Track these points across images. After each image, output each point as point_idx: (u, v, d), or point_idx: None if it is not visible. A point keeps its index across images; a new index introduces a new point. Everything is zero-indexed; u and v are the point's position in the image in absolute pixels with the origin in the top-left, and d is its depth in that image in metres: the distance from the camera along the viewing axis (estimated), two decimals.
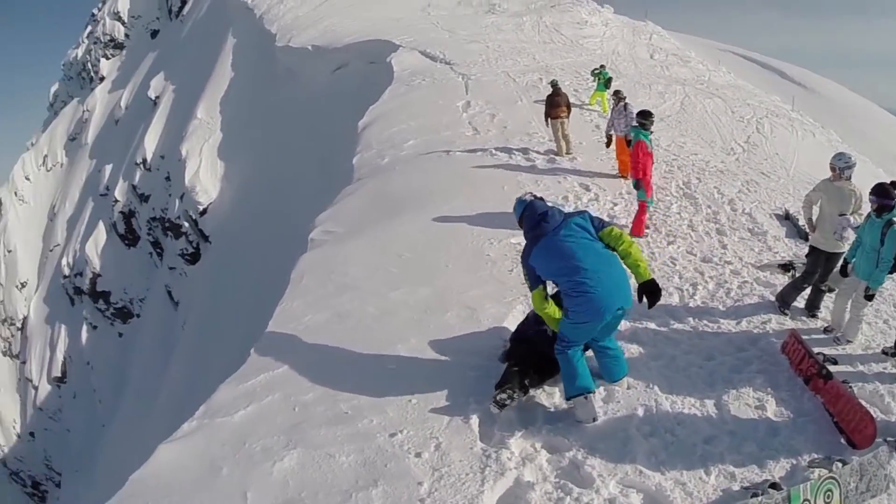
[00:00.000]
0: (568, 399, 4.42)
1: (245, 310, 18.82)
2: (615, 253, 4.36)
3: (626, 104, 10.77)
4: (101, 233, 41.32)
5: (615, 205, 9.16)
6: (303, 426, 4.24)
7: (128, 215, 40.00)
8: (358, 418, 4.30)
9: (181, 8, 54.22)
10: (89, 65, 62.80)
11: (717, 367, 5.13)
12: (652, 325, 5.74)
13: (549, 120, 11.77)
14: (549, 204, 4.67)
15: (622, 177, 10.19)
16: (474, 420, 4.33)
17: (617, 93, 11.65)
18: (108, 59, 61.53)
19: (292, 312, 6.00)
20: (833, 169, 5.93)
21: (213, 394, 4.90)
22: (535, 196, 4.71)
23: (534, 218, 4.47)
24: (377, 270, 6.76)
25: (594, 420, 4.34)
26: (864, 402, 4.47)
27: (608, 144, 11.27)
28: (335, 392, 4.58)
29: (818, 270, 6.04)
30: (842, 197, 5.87)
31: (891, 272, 5.36)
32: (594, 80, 16.68)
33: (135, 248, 39.95)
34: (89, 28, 67.08)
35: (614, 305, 4.24)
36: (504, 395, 4.33)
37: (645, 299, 4.36)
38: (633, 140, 8.46)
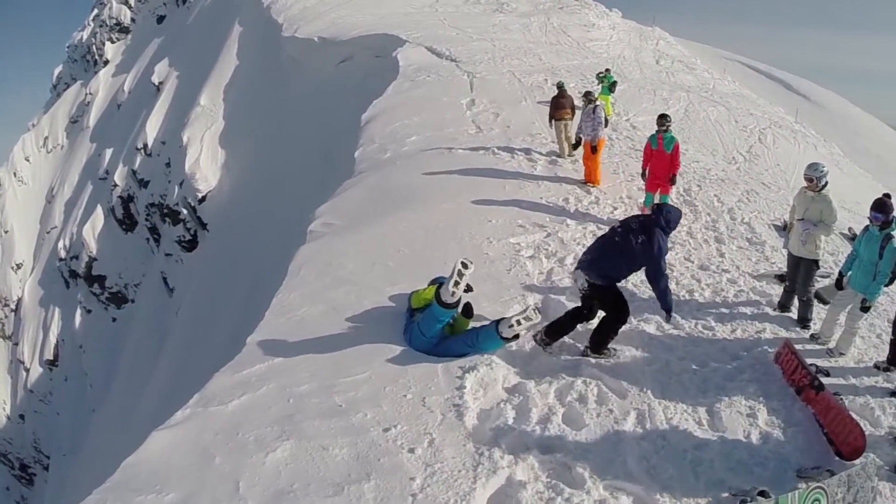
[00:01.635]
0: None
1: (240, 299, 18.79)
2: None
3: (595, 107, 10.33)
4: (98, 217, 41.20)
5: (615, 209, 9.19)
6: (297, 418, 4.24)
7: (126, 200, 39.84)
8: (352, 412, 4.30)
9: None
10: (94, 48, 62.53)
11: (711, 374, 5.18)
12: (648, 330, 5.78)
13: (552, 121, 11.76)
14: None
15: (588, 183, 10.05)
16: (468, 417, 4.34)
17: (587, 94, 10.91)
18: (112, 42, 61.28)
19: (289, 304, 5.99)
20: (808, 179, 6.08)
21: (207, 382, 4.88)
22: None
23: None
24: (375, 265, 6.76)
25: None
26: (854, 415, 4.52)
27: (575, 147, 10.92)
28: (330, 385, 4.58)
29: (793, 273, 6.27)
30: (808, 205, 6.08)
31: (887, 285, 5.43)
32: (599, 84, 16.69)
33: (132, 234, 39.83)
34: (95, 11, 66.80)
35: None
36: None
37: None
38: (671, 143, 8.67)
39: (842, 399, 4.74)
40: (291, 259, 7.16)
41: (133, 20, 61.56)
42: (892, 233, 5.25)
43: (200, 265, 28.66)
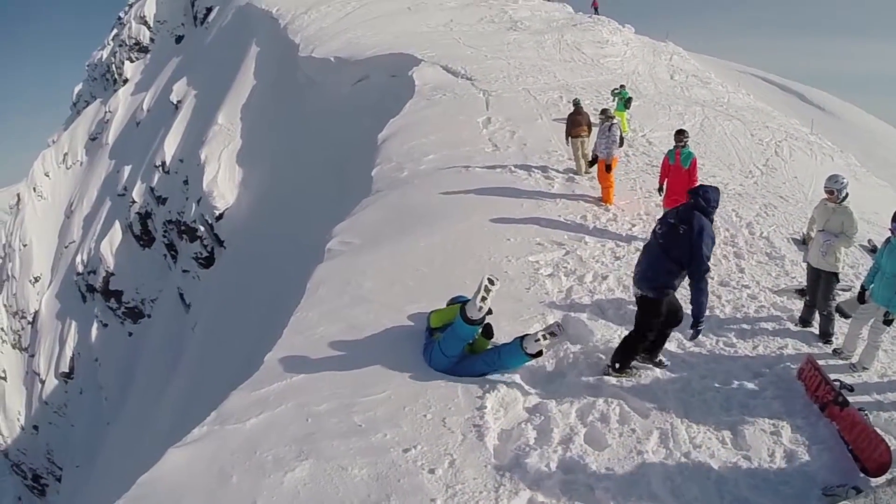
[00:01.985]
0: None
1: (256, 317, 18.88)
2: None
3: (612, 124, 10.19)
4: (116, 232, 41.72)
5: (633, 225, 9.13)
6: (315, 437, 4.22)
7: (144, 216, 40.34)
8: (371, 432, 4.28)
9: (206, 15, 54.96)
10: (114, 67, 63.74)
11: (734, 392, 5.10)
12: (668, 348, 5.71)
13: (569, 139, 11.76)
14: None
15: (603, 202, 9.97)
16: (490, 438, 4.30)
17: (604, 111, 10.84)
18: (132, 61, 62.44)
19: (307, 322, 6.00)
20: (829, 191, 6.06)
21: (224, 400, 4.89)
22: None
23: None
24: (394, 284, 6.77)
25: None
26: (879, 431, 4.43)
27: (591, 165, 10.84)
28: (349, 404, 4.56)
29: (813, 286, 6.21)
30: (829, 217, 6.04)
31: None
32: (614, 100, 16.70)
33: (149, 250, 40.28)
34: (115, 31, 68.19)
35: None
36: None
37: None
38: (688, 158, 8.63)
39: (867, 414, 4.64)
40: (309, 277, 7.19)
41: (152, 40, 62.73)
42: None
43: (217, 282, 28.89)
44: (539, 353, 4.97)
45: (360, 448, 4.13)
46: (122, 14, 69.57)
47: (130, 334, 38.52)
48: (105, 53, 67.18)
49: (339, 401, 4.60)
